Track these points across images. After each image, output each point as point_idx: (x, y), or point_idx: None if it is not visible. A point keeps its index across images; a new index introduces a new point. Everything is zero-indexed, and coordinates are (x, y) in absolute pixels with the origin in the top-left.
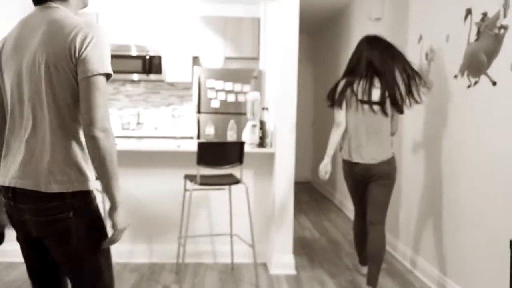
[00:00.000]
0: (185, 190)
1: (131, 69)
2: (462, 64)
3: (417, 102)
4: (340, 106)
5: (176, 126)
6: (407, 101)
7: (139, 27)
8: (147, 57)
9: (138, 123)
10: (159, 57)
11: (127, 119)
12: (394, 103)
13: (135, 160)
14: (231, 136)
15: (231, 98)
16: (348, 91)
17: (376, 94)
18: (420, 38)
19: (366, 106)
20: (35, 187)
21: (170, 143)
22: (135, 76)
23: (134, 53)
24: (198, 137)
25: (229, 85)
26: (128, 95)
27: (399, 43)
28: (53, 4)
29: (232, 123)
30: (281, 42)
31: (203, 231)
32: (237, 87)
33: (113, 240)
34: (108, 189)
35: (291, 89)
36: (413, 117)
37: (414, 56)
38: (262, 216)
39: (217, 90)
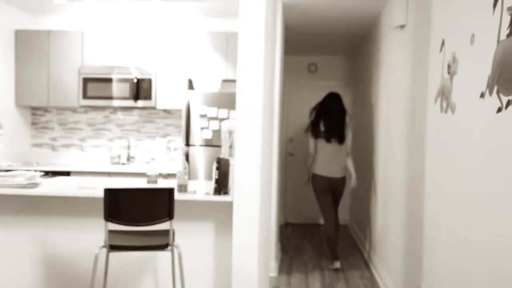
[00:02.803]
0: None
1: (116, 94)
2: (490, 75)
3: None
4: (315, 138)
5: (172, 161)
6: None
7: (128, 47)
8: (135, 80)
9: (128, 157)
10: (149, 80)
11: (118, 151)
12: (343, 136)
13: (57, 207)
14: (180, 179)
15: None
16: (319, 129)
17: (336, 131)
18: (443, 44)
19: (331, 139)
20: None
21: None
22: (122, 103)
23: (120, 76)
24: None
25: (224, 112)
26: (120, 124)
27: (421, 54)
28: None
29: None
30: (246, 58)
31: None
32: (234, 114)
33: None
34: None
35: (254, 116)
36: (440, 157)
37: (436, 71)
38: (224, 285)
39: (210, 118)
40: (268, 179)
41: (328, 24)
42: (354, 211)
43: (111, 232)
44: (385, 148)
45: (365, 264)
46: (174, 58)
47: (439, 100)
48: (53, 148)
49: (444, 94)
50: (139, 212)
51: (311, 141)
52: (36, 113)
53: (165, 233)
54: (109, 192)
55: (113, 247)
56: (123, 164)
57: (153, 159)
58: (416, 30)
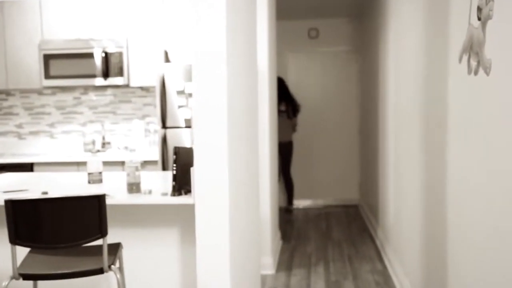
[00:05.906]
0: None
1: (82, 72)
2: None
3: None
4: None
5: (152, 146)
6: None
7: (94, 16)
8: (103, 55)
9: (104, 143)
10: (120, 54)
11: (91, 137)
12: (293, 111)
13: None
14: (130, 176)
15: None
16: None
17: (283, 107)
18: None
19: (281, 114)
20: None
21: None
22: (89, 81)
23: (85, 50)
24: (163, 165)
25: None
26: (92, 106)
27: (440, 10)
28: None
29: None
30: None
31: None
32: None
33: None
34: None
35: (216, 87)
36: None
37: (459, 17)
38: None
39: (189, 95)
40: (254, 160)
41: None
42: (364, 191)
43: (31, 252)
44: (395, 123)
45: (377, 255)
46: (148, 27)
47: (465, 57)
48: (20, 136)
49: (472, 48)
50: (58, 229)
51: None
52: None
53: (97, 250)
54: (12, 205)
55: (26, 277)
56: (97, 151)
57: (126, 147)
58: None
